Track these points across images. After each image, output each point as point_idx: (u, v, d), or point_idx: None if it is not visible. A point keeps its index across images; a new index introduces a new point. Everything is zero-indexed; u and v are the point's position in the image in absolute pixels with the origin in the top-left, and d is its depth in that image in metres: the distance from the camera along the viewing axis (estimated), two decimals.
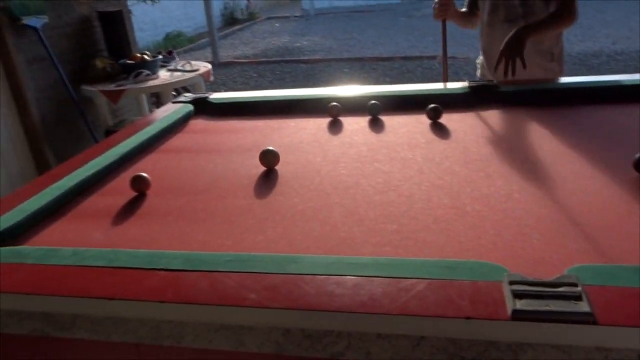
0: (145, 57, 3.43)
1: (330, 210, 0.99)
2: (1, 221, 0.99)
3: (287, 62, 8.48)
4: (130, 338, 0.76)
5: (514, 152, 1.21)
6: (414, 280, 0.69)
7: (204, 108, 1.79)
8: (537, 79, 1.76)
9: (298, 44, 10.29)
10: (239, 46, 10.51)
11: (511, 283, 0.66)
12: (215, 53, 9.03)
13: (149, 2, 7.68)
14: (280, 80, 7.36)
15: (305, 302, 0.68)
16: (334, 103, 1.57)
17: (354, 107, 1.61)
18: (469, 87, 1.63)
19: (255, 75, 7.50)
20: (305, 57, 8.70)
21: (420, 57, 7.70)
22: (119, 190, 1.19)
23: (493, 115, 1.47)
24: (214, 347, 0.73)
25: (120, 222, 1.03)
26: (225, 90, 6.88)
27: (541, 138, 1.27)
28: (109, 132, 3.23)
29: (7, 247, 0.89)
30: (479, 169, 1.12)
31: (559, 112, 1.44)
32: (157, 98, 4.50)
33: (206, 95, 1.83)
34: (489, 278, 0.68)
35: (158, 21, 10.92)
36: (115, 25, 3.62)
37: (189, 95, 1.86)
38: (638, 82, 1.50)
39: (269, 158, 1.22)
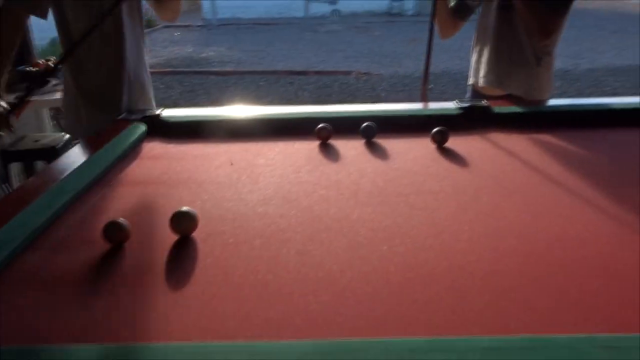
0: (50, 64, 2.97)
1: (387, 263, 0.80)
2: None
3: (196, 73, 8.06)
4: None
5: (554, 181, 1.09)
6: None
7: (155, 128, 1.50)
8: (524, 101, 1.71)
9: (204, 55, 9.89)
10: None
11: None
12: None
13: None
14: (190, 92, 6.96)
15: None
16: (324, 124, 1.37)
17: (342, 128, 1.42)
18: (460, 108, 1.52)
19: (162, 86, 7.00)
20: (216, 69, 8.34)
21: (335, 72, 7.71)
22: (84, 240, 0.89)
23: (500, 139, 1.36)
24: None
25: (105, 291, 0.75)
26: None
27: (569, 164, 1.18)
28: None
29: None
30: (529, 203, 0.99)
31: (567, 135, 1.37)
32: (58, 112, 3.96)
33: (158, 112, 1.54)
34: None
35: (42, 24, 9.89)
36: None
37: (135, 112, 1.56)
38: (629, 106, 1.49)
39: (184, 224, 0.89)
